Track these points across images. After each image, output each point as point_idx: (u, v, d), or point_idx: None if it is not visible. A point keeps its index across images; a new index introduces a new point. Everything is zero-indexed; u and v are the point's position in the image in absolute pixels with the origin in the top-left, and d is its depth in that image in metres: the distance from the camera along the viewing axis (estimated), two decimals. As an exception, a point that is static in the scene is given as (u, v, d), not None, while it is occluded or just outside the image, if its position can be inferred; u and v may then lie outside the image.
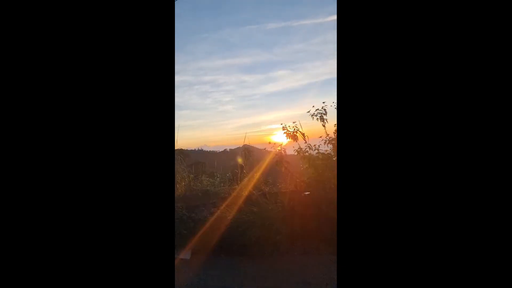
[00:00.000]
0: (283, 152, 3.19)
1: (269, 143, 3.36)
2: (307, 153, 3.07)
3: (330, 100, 3.03)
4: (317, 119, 3.05)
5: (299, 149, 3.10)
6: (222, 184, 3.57)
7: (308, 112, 3.09)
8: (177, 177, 3.48)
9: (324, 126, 3.08)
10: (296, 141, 3.12)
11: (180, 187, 3.44)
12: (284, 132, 3.14)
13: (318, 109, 3.05)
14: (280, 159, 3.13)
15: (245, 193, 2.99)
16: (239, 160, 3.83)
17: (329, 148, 3.03)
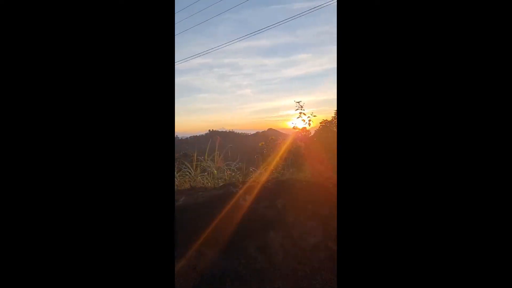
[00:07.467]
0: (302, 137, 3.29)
1: (294, 128, 3.44)
2: None
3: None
4: None
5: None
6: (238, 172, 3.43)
7: None
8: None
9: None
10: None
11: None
12: (298, 117, 3.29)
13: None
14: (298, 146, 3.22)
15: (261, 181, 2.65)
16: (261, 144, 3.76)
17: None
